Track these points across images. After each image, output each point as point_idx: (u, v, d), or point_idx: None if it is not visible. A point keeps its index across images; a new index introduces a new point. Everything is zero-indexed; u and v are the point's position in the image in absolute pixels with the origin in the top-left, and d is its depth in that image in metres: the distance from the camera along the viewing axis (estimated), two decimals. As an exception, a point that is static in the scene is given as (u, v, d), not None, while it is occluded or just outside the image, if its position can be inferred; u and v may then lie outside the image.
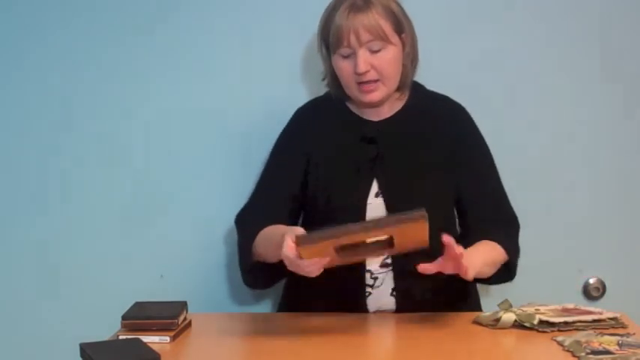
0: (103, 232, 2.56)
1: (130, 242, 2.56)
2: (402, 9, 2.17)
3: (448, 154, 2.19)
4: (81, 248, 2.57)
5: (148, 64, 2.54)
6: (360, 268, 2.11)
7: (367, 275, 2.12)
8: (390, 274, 2.13)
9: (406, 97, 2.24)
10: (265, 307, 2.55)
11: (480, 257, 2.04)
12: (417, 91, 2.26)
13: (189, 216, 2.56)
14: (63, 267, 2.57)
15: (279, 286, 2.33)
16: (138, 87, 2.55)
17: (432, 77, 2.31)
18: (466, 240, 2.08)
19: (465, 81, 2.49)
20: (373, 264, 2.12)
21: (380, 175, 2.15)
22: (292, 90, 2.49)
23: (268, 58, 2.52)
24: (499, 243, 2.15)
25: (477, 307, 2.27)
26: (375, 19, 2.10)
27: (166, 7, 2.52)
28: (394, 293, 2.13)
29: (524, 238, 2.51)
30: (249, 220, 2.21)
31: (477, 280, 2.14)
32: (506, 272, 2.20)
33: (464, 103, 2.30)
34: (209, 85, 2.54)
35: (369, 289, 2.13)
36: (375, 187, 2.15)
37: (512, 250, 2.20)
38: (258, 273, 2.18)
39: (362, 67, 2.10)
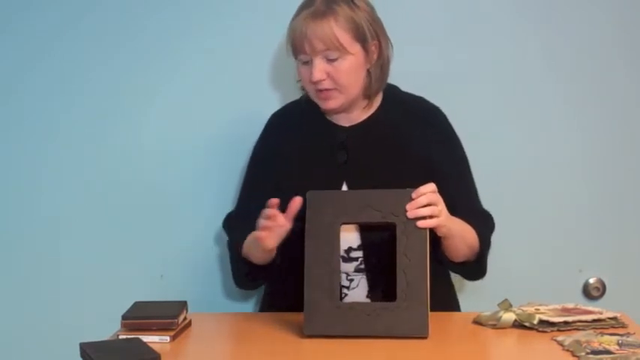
0: (103, 232, 2.57)
1: (130, 242, 2.56)
2: (371, 16, 2.11)
3: (423, 156, 2.16)
4: (81, 248, 2.57)
5: (147, 65, 2.55)
6: None
7: (343, 277, 2.10)
8: (365, 277, 2.12)
9: (379, 102, 2.22)
10: (265, 307, 2.55)
11: (454, 220, 2.04)
12: (391, 94, 2.23)
13: (189, 216, 2.56)
14: (63, 267, 2.57)
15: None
16: (139, 88, 2.55)
17: (423, 83, 2.31)
18: (441, 240, 2.06)
19: (458, 86, 2.50)
20: (348, 269, 2.11)
21: (350, 180, 2.14)
22: (286, 90, 2.49)
23: (256, 62, 2.54)
24: (474, 228, 2.13)
25: (455, 306, 2.27)
26: (330, 28, 2.05)
27: (151, 10, 2.54)
28: (369, 295, 2.12)
29: (524, 239, 2.53)
30: (237, 225, 2.21)
31: (450, 268, 2.17)
32: (476, 265, 2.18)
33: (456, 107, 2.30)
34: (208, 85, 2.55)
35: (345, 290, 2.11)
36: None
37: (484, 240, 2.16)
38: (248, 272, 2.19)
39: (316, 76, 2.07)
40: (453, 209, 2.03)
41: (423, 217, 1.93)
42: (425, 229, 1.93)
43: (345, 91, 2.11)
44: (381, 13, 2.21)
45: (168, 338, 1.93)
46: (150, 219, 2.56)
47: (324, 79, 2.08)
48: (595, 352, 1.75)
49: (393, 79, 2.28)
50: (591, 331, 1.90)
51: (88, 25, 2.54)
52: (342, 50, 2.06)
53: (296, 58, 2.13)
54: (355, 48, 2.09)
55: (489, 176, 2.46)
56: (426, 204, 1.93)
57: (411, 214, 1.93)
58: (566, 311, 2.01)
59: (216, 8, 2.54)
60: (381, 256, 2.07)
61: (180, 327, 1.98)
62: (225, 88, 2.54)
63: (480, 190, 2.27)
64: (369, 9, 2.13)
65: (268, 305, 2.27)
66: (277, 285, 2.21)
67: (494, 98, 2.55)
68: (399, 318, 1.90)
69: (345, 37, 2.06)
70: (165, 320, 1.96)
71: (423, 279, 1.91)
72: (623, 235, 2.59)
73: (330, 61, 2.08)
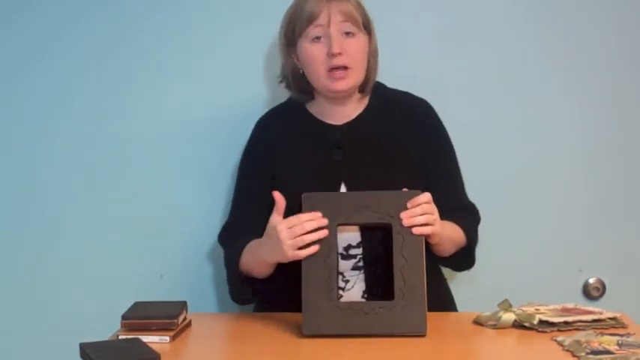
0: (103, 232, 2.56)
1: (129, 242, 2.56)
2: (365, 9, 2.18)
3: (415, 150, 2.18)
4: (81, 248, 2.57)
5: (147, 65, 2.55)
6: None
7: (339, 277, 2.08)
8: (362, 277, 2.12)
9: (368, 98, 2.23)
10: (265, 307, 2.55)
11: (445, 226, 2.05)
12: (379, 91, 2.24)
13: (190, 216, 2.56)
14: (63, 267, 2.57)
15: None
16: (138, 89, 2.55)
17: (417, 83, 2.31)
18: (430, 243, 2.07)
19: (458, 86, 2.51)
20: (345, 267, 2.11)
21: (347, 179, 2.14)
22: (275, 92, 2.49)
23: (255, 62, 2.54)
24: (460, 226, 2.15)
25: (451, 305, 2.28)
26: (347, 6, 2.10)
27: (151, 10, 2.53)
28: (365, 296, 2.12)
29: (524, 238, 2.53)
30: (234, 238, 2.20)
31: (438, 261, 2.18)
32: (465, 257, 2.20)
33: (457, 107, 2.30)
34: (207, 85, 2.55)
35: (340, 292, 2.09)
36: (343, 191, 2.14)
37: (472, 235, 2.19)
38: (245, 287, 2.18)
39: (336, 48, 2.07)
40: (442, 204, 2.04)
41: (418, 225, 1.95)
42: None
43: (356, 70, 2.12)
44: (382, 13, 2.21)
45: (168, 338, 1.93)
46: (150, 219, 2.56)
47: (342, 53, 2.09)
48: (595, 352, 1.76)
49: (394, 79, 2.28)
50: (591, 332, 1.90)
51: (88, 25, 2.54)
52: (358, 26, 2.10)
53: (301, 37, 2.12)
54: (364, 31, 2.13)
55: (489, 176, 2.47)
56: (421, 214, 1.95)
57: (406, 222, 1.94)
58: (566, 311, 2.01)
59: (216, 8, 2.54)
60: (379, 254, 2.07)
61: (180, 327, 1.98)
62: (225, 87, 2.54)
63: (480, 189, 2.28)
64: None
65: (266, 306, 2.27)
66: (275, 285, 2.20)
67: (494, 98, 2.54)
68: (396, 317, 1.92)
69: (359, 17, 2.12)
70: (165, 320, 1.96)
71: (419, 277, 1.93)
72: (623, 235, 2.58)
73: (346, 35, 2.10)
